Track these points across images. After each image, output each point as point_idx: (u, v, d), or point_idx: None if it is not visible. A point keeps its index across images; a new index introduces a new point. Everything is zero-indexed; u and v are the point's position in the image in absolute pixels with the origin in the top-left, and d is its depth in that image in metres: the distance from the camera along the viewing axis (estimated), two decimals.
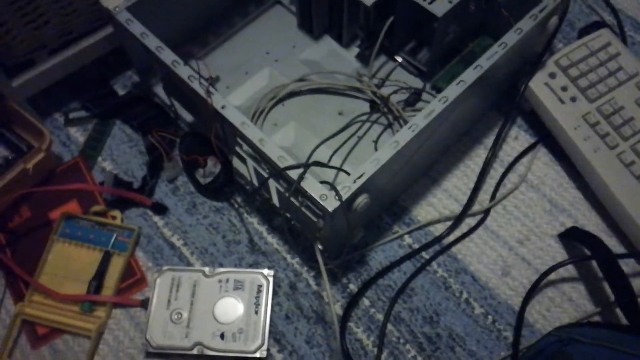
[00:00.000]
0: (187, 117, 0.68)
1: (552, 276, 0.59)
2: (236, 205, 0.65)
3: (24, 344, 0.58)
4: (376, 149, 0.65)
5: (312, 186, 0.50)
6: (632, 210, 0.59)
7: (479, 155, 0.67)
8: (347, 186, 0.49)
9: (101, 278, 0.60)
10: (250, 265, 0.62)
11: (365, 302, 0.60)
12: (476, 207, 0.64)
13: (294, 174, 0.50)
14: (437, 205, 0.64)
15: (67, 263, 0.61)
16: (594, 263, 0.60)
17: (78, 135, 0.69)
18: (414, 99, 0.68)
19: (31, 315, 0.58)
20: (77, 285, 0.60)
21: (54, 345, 0.58)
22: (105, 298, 0.59)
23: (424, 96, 0.68)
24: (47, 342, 0.58)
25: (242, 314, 0.57)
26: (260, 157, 0.54)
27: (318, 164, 0.52)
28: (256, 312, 0.57)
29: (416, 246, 0.62)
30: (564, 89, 0.65)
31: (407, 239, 0.63)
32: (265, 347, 0.56)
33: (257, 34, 0.75)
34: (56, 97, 0.71)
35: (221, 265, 0.61)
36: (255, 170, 0.57)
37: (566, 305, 0.59)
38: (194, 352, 0.56)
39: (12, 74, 0.64)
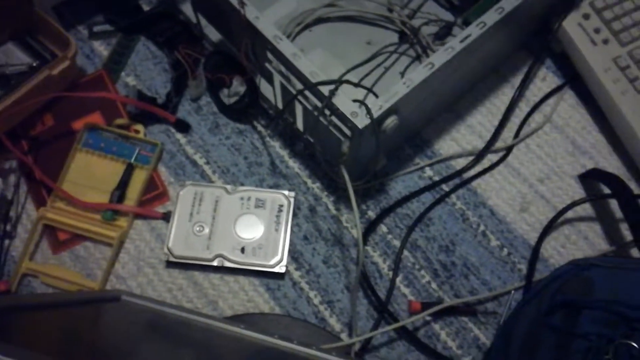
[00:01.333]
0: (214, 36, 0.68)
1: (570, 214, 0.60)
2: (259, 128, 0.65)
3: (45, 248, 0.59)
4: None
5: (343, 103, 0.50)
6: None
7: (506, 93, 0.66)
8: (379, 104, 0.49)
9: (124, 189, 0.60)
10: (271, 187, 0.62)
11: (383, 228, 0.61)
12: (499, 144, 0.64)
13: (325, 89, 0.50)
14: (460, 140, 0.65)
15: (90, 173, 0.61)
16: (611, 204, 0.61)
17: (102, 49, 0.69)
18: (444, 33, 0.67)
19: (53, 220, 0.59)
20: (99, 195, 0.60)
21: (75, 251, 0.59)
22: (128, 208, 0.59)
23: (455, 31, 0.67)
24: (68, 247, 0.59)
25: (262, 231, 0.58)
26: (291, 72, 0.54)
27: (350, 82, 0.52)
28: (276, 230, 0.58)
29: (436, 178, 0.63)
30: (597, 30, 0.64)
31: (428, 171, 0.63)
32: (284, 262, 0.57)
33: None
34: (80, 9, 0.70)
35: (242, 185, 0.62)
36: (283, 88, 0.57)
37: (581, 243, 0.60)
38: (215, 263, 0.57)
39: None
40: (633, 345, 0.37)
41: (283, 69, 0.55)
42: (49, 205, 0.60)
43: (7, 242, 0.59)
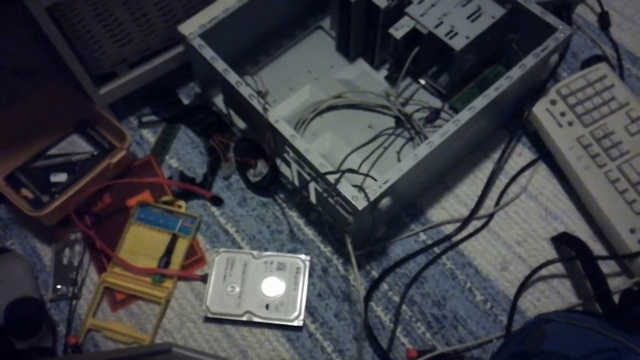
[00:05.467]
0: (241, 124, 0.81)
1: (543, 272, 0.71)
2: (279, 201, 0.78)
3: (105, 307, 0.72)
4: (399, 159, 0.77)
5: (345, 188, 0.62)
6: (615, 220, 0.70)
7: (487, 167, 0.78)
8: (374, 189, 0.62)
9: (169, 256, 0.73)
10: (290, 251, 0.74)
11: (385, 286, 0.72)
12: (482, 212, 0.75)
13: (331, 178, 0.63)
14: (449, 208, 0.76)
15: (141, 242, 0.74)
16: (579, 263, 0.71)
17: (149, 136, 0.83)
18: (433, 117, 0.79)
19: (112, 283, 0.72)
20: (149, 260, 0.73)
21: (130, 309, 0.72)
22: (173, 272, 0.72)
23: (443, 115, 0.80)
24: (124, 306, 0.72)
25: (283, 290, 0.70)
26: (304, 162, 0.66)
27: (351, 170, 0.65)
28: (295, 289, 0.70)
29: (429, 242, 0.74)
30: (563, 114, 0.76)
31: (422, 236, 0.75)
32: (301, 317, 0.68)
33: (300, 54, 0.87)
34: (131, 103, 0.84)
35: (266, 250, 0.74)
36: (299, 173, 0.70)
37: (554, 297, 0.70)
38: (244, 318, 0.68)
39: (98, 84, 0.78)
40: None
41: (298, 158, 0.68)
42: (108, 271, 0.73)
43: (74, 302, 0.72)
